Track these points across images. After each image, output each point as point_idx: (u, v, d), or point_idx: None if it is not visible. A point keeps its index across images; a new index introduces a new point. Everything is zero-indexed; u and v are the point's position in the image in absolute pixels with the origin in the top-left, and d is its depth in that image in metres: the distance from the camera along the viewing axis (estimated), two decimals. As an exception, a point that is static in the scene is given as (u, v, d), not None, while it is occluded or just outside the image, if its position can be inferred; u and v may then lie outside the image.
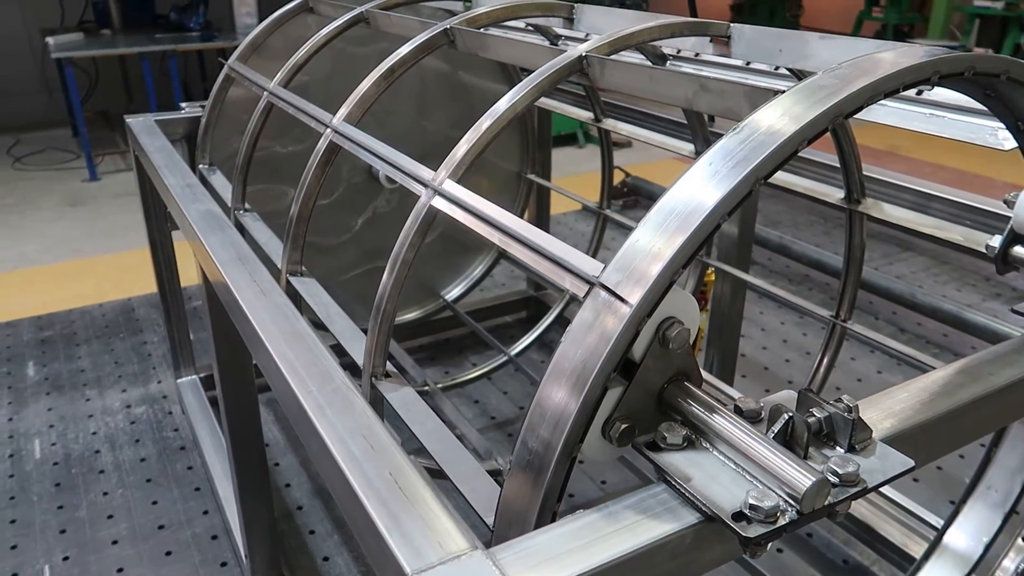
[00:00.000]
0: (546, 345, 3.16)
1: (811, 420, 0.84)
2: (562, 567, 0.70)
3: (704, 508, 0.76)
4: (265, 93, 1.89)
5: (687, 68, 1.70)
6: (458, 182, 1.18)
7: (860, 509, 2.12)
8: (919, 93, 1.39)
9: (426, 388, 2.49)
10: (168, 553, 2.12)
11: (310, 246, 2.70)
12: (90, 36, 6.25)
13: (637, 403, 0.88)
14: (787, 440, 0.84)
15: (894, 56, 0.95)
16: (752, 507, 0.73)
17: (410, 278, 3.08)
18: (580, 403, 0.82)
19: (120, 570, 2.06)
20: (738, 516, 0.74)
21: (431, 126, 2.73)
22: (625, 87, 1.19)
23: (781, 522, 0.74)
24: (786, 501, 0.75)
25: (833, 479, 0.79)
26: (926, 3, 8.98)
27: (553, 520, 0.84)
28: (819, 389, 1.96)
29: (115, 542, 2.16)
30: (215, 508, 2.26)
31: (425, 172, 1.24)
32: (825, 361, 1.91)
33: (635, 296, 0.82)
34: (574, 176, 5.32)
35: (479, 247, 3.01)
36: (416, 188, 1.23)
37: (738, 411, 0.88)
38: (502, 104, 1.20)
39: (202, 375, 2.71)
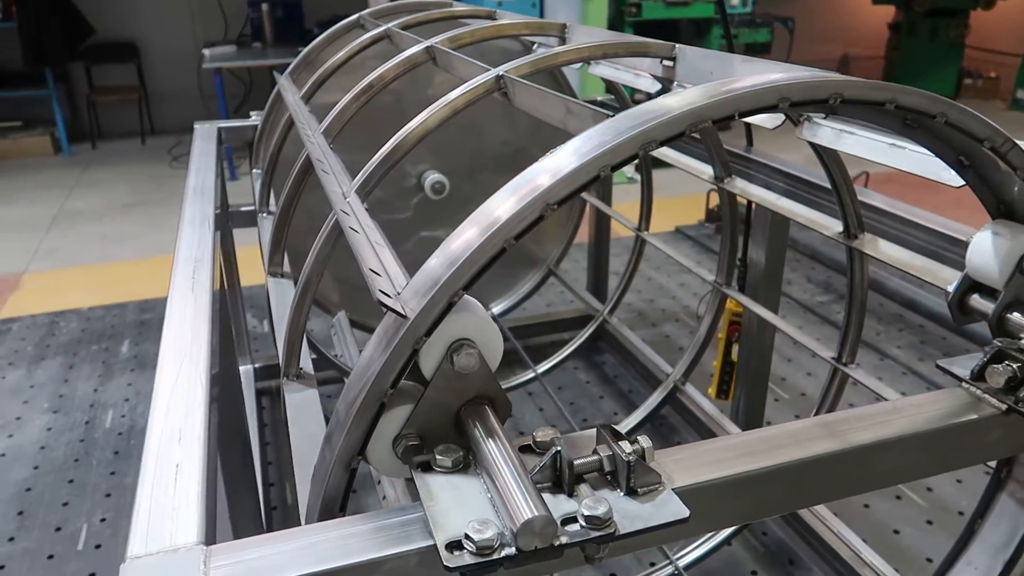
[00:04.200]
0: (596, 366, 3.12)
1: (587, 460, 0.81)
2: (273, 570, 0.72)
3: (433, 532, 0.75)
4: (288, 105, 2.02)
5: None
6: (364, 199, 1.22)
7: None
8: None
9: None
10: (188, 526, 2.28)
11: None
12: (242, 49, 6.83)
13: (431, 422, 0.88)
14: (557, 476, 0.81)
15: (752, 80, 0.89)
16: (467, 536, 0.72)
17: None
18: (354, 416, 0.83)
19: (144, 536, 2.25)
20: (456, 545, 0.73)
21: (486, 142, 2.79)
22: (530, 108, 1.18)
23: (496, 556, 0.72)
24: (511, 535, 0.73)
25: (582, 520, 0.75)
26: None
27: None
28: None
29: (147, 510, 2.35)
30: (240, 490, 2.41)
31: (337, 187, 1.29)
32: (824, 410, 1.78)
33: (412, 314, 0.82)
34: (679, 197, 5.21)
35: (530, 263, 3.03)
36: (332, 201, 1.28)
37: (533, 442, 0.86)
38: (413, 123, 1.22)
39: (257, 365, 2.90)
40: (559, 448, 0.80)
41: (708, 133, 1.94)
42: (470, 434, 0.86)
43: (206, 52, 6.29)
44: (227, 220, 2.58)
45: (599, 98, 2.74)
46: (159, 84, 7.76)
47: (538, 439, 0.86)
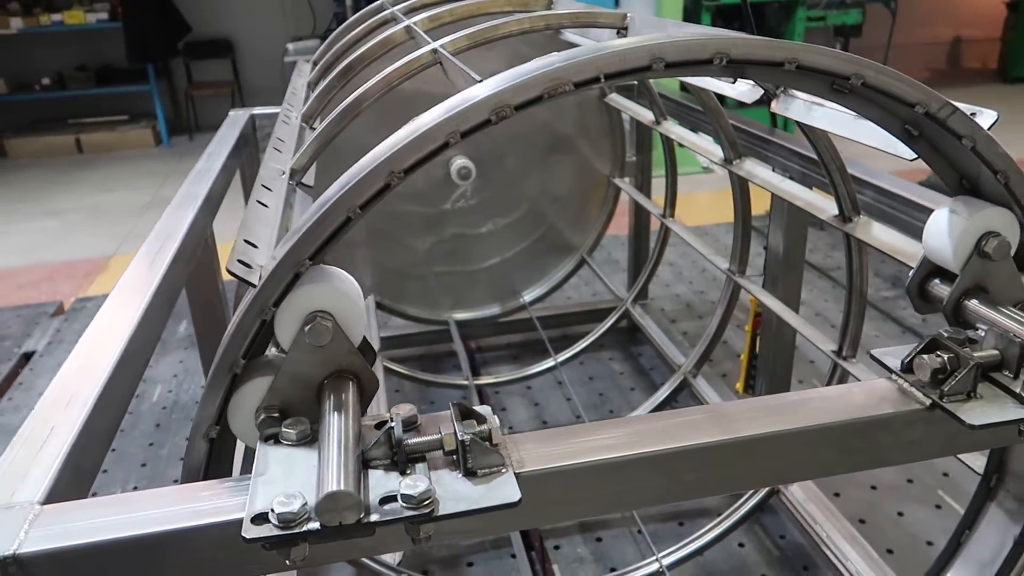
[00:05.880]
0: (632, 357, 3.04)
1: (423, 439, 0.78)
2: (87, 532, 0.73)
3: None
4: (293, 90, 2.05)
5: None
6: (299, 176, 1.22)
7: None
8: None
9: (466, 384, 2.53)
10: (210, 498, 2.37)
11: (396, 241, 2.87)
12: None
13: (294, 395, 0.86)
14: (394, 452, 0.78)
15: (627, 41, 0.83)
16: (272, 509, 0.70)
17: (496, 276, 3.10)
18: (208, 385, 0.83)
19: (168, 505, 2.36)
20: (263, 517, 0.71)
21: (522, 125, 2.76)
22: (455, 81, 1.15)
23: (297, 530, 0.70)
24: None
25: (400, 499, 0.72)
26: None
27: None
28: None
29: (176, 481, 2.46)
30: (263, 466, 2.49)
31: (277, 165, 1.29)
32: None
33: (258, 284, 0.81)
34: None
35: (565, 251, 2.97)
36: (262, 177, 1.29)
37: (390, 419, 0.84)
38: (347, 101, 1.21)
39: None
40: (391, 425, 0.78)
41: (712, 111, 1.84)
42: (321, 407, 0.84)
43: (289, 46, 6.51)
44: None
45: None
46: (252, 78, 8.10)
47: (405, 417, 0.83)
